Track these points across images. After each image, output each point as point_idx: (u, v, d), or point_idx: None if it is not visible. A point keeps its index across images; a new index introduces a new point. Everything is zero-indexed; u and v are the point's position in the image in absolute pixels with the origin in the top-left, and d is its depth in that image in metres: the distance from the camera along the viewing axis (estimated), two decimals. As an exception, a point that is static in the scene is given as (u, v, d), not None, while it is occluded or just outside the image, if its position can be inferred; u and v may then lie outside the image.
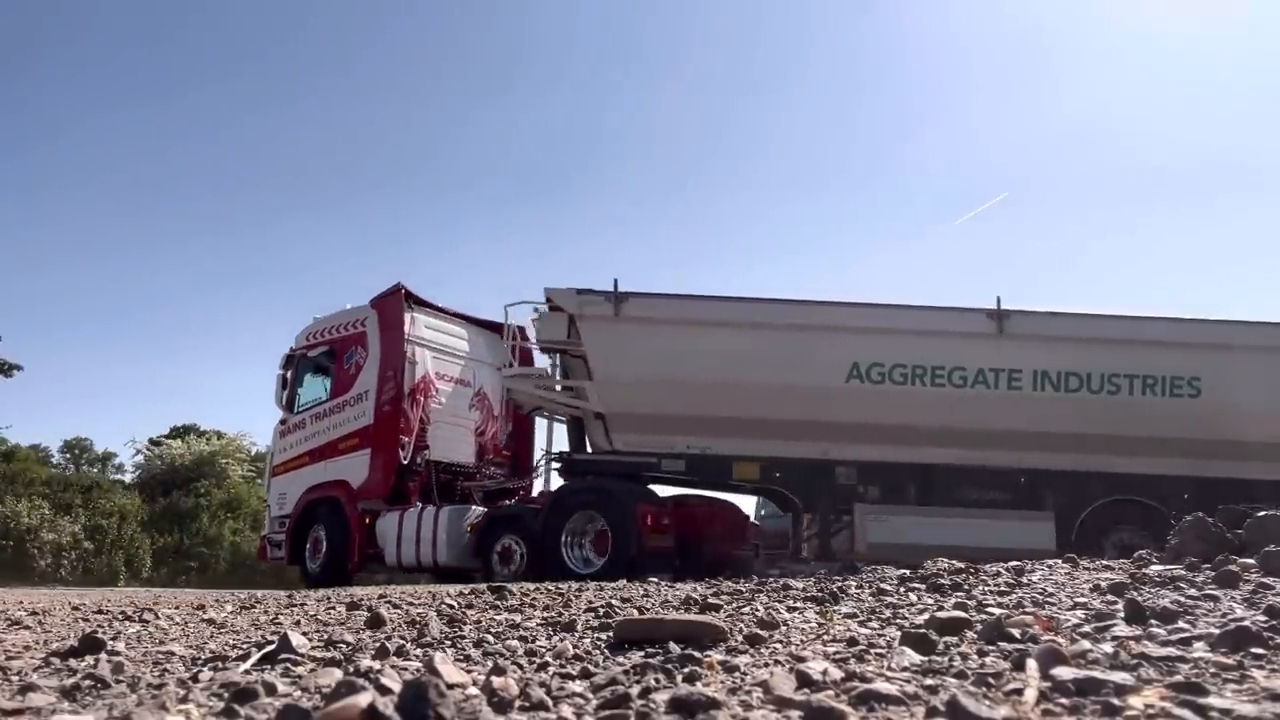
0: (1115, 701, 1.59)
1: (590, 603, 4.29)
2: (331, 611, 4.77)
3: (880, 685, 1.77)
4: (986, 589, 3.77)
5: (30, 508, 20.73)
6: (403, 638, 3.18)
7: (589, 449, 11.79)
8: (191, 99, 53.85)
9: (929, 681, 1.87)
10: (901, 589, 3.98)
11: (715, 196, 61.68)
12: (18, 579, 17.65)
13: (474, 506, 12.21)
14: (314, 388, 13.59)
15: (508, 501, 12.74)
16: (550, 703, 1.84)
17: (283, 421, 13.83)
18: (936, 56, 54.39)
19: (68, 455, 38.77)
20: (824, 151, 61.64)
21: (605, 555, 10.84)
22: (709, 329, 11.28)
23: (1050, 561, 5.37)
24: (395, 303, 12.86)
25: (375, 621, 3.70)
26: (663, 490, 11.96)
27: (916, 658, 2.17)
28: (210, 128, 54.76)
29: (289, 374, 13.60)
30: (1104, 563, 4.97)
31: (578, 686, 2.01)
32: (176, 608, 5.53)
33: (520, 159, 60.89)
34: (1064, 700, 1.64)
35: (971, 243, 60.32)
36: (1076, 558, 5.41)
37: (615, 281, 11.25)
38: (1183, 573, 3.73)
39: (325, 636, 3.29)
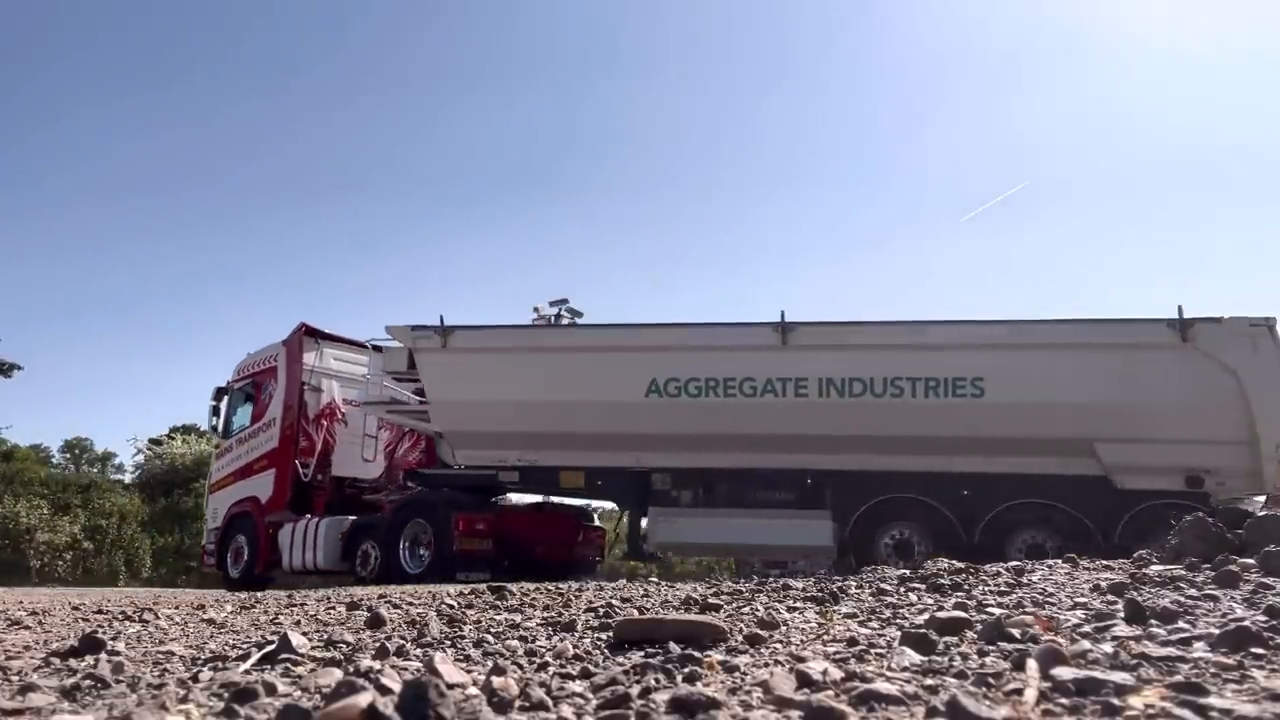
0: (1115, 701, 1.59)
1: (590, 603, 4.29)
2: (331, 611, 4.77)
3: (880, 685, 1.77)
4: (986, 589, 3.77)
5: (29, 508, 20.74)
6: (403, 638, 3.17)
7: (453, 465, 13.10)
8: (183, 95, 53.77)
9: (929, 681, 1.87)
10: (901, 589, 3.98)
11: (698, 197, 61.68)
12: (17, 579, 17.68)
13: (349, 517, 13.45)
14: (244, 416, 15.36)
15: None
16: (550, 703, 1.84)
17: (217, 445, 15.98)
18: (931, 56, 54.37)
19: (68, 455, 38.80)
20: (814, 152, 61.63)
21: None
22: (523, 354, 12.54)
23: (1050, 561, 5.37)
24: (297, 340, 14.76)
25: (375, 621, 3.70)
26: (526, 499, 13.52)
27: (916, 658, 2.17)
28: (196, 124, 54.77)
29: (221, 404, 15.44)
30: (1104, 563, 4.96)
31: (578, 686, 2.01)
32: (176, 608, 5.53)
33: (496, 158, 60.88)
34: (1064, 700, 1.64)
35: (972, 244, 60.30)
36: (1076, 558, 5.40)
37: (441, 317, 12.54)
38: (1183, 573, 3.73)
39: (325, 636, 3.29)
